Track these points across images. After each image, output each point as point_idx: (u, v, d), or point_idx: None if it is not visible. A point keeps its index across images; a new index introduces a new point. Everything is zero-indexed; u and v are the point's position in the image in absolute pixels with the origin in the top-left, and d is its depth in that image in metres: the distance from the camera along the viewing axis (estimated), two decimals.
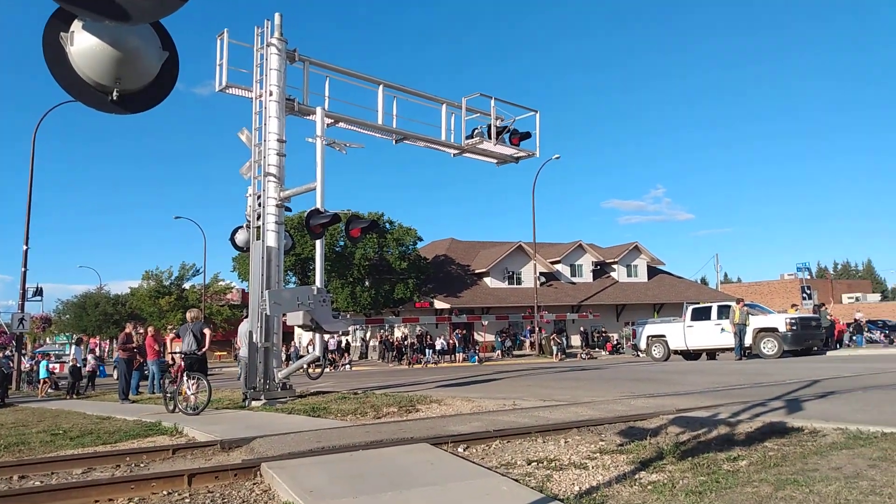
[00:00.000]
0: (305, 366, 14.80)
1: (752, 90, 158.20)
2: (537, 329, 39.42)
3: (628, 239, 57.28)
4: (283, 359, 28.85)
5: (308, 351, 24.33)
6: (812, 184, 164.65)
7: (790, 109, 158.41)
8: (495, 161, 16.56)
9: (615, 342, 41.51)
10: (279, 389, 12.49)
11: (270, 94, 12.88)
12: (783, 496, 4.24)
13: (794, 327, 21.04)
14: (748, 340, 21.39)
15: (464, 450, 6.40)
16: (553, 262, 48.01)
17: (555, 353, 35.43)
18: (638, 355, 28.43)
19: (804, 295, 32.66)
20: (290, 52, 13.30)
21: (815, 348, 22.45)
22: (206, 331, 12.02)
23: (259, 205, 12.84)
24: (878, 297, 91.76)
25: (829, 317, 26.43)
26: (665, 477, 4.97)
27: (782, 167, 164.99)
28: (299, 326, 11.34)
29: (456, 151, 15.83)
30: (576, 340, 43.77)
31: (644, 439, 6.26)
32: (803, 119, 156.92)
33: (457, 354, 35.80)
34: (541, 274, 44.51)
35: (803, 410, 7.91)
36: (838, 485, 4.37)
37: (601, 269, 50.88)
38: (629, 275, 51.17)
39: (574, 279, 48.80)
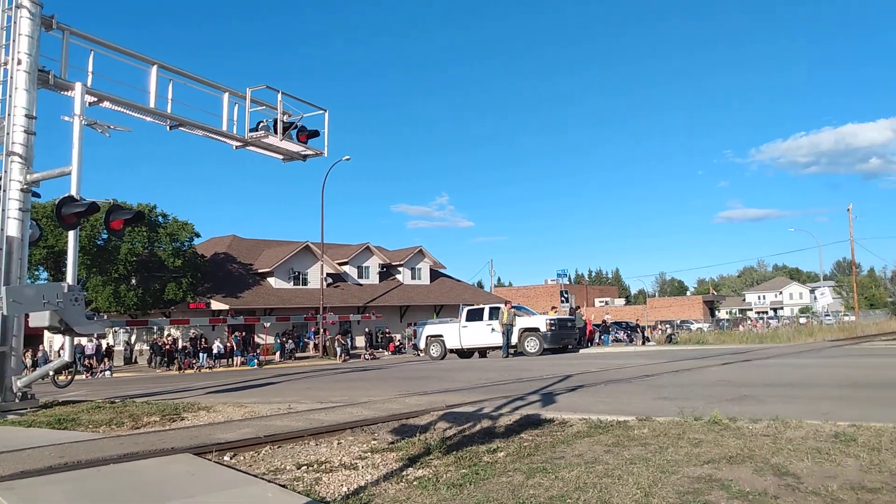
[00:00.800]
0: (52, 372, 13.12)
1: (527, 109, 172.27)
2: (322, 331, 39.06)
3: (415, 242, 59.36)
4: (29, 364, 25.38)
5: (59, 356, 21.64)
6: (574, 200, 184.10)
7: (559, 128, 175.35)
8: (281, 157, 16.09)
9: (398, 342, 42.57)
10: (17, 400, 10.91)
11: (19, 64, 11.24)
12: (533, 483, 4.61)
13: (553, 327, 23.21)
14: (514, 339, 23.17)
15: (231, 458, 6.09)
16: (341, 264, 47.96)
17: (339, 354, 35.39)
18: (418, 354, 29.41)
19: (563, 298, 36.23)
20: (47, 18, 11.73)
21: (570, 346, 24.96)
22: None
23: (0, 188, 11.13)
24: (623, 301, 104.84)
25: (582, 318, 29.55)
26: (430, 472, 5.15)
27: (551, 183, 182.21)
28: (45, 328, 10.02)
29: (238, 144, 15.09)
30: (360, 341, 44.12)
31: (414, 436, 6.45)
32: (567, 139, 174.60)
33: (235, 358, 34.18)
34: (328, 275, 44.20)
35: (556, 403, 8.72)
36: (579, 470, 4.86)
37: (387, 271, 51.89)
38: (413, 277, 52.83)
39: (361, 280, 49.18)
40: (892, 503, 3.81)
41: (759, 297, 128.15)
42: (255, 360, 33.40)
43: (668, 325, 53.78)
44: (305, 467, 5.60)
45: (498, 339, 23.31)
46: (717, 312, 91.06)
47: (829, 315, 46.16)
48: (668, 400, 8.69)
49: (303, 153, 15.93)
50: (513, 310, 23.76)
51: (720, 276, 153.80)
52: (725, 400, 8.37)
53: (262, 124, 14.49)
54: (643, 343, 34.07)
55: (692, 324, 63.16)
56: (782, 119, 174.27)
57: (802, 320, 48.00)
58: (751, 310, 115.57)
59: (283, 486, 4.96)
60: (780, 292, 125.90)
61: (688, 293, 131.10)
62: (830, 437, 5.46)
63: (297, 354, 38.97)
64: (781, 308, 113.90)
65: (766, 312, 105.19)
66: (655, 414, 7.02)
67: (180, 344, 34.37)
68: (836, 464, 4.68)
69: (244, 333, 37.36)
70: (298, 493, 4.72)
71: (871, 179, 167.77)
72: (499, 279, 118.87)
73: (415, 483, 4.84)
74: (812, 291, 71.34)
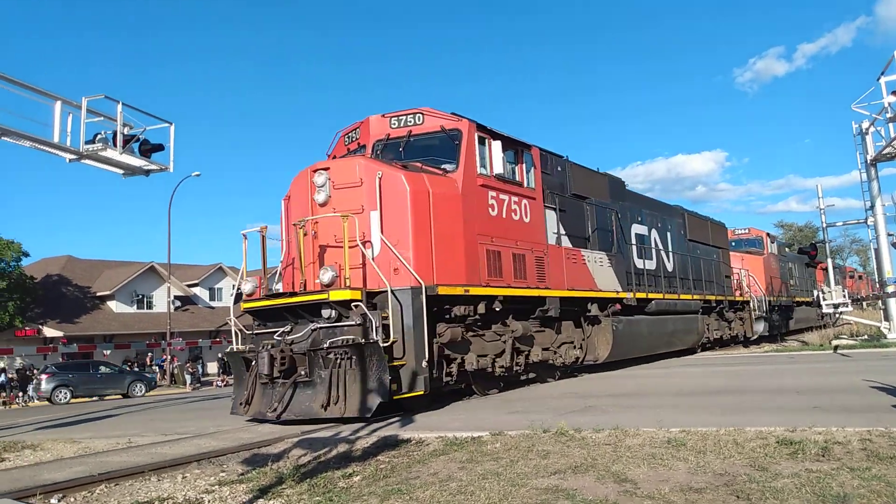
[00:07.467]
0: None
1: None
2: (169, 357, 36.67)
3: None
4: None
5: None
6: None
7: None
8: (122, 172, 14.93)
9: None
10: None
11: None
12: None
13: None
14: None
15: (59, 501, 5.54)
16: (190, 285, 45.42)
17: (188, 382, 33.36)
18: None
19: None
20: None
21: None
22: None
23: None
24: None
25: None
26: (282, 502, 4.97)
27: None
28: None
29: (73, 157, 13.82)
30: (213, 368, 41.92)
31: (266, 466, 6.20)
32: None
33: None
34: (176, 297, 41.67)
35: (414, 422, 8.75)
36: (434, 489, 4.89)
37: None
38: None
39: (213, 303, 46.82)
40: (714, 500, 4.17)
41: None
42: None
43: None
44: None
45: None
46: None
47: None
48: (520, 413, 8.99)
49: (145, 168, 14.92)
50: None
51: None
52: (572, 411, 8.81)
53: (99, 136, 13.43)
54: None
55: None
56: (621, 149, 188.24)
57: None
58: None
59: None
60: None
61: None
62: (664, 443, 5.90)
63: None
64: None
65: None
66: (508, 428, 7.24)
67: (8, 375, 30.74)
68: (669, 468, 5.06)
69: None
70: None
71: (698, 204, 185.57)
72: None
73: None
74: None
